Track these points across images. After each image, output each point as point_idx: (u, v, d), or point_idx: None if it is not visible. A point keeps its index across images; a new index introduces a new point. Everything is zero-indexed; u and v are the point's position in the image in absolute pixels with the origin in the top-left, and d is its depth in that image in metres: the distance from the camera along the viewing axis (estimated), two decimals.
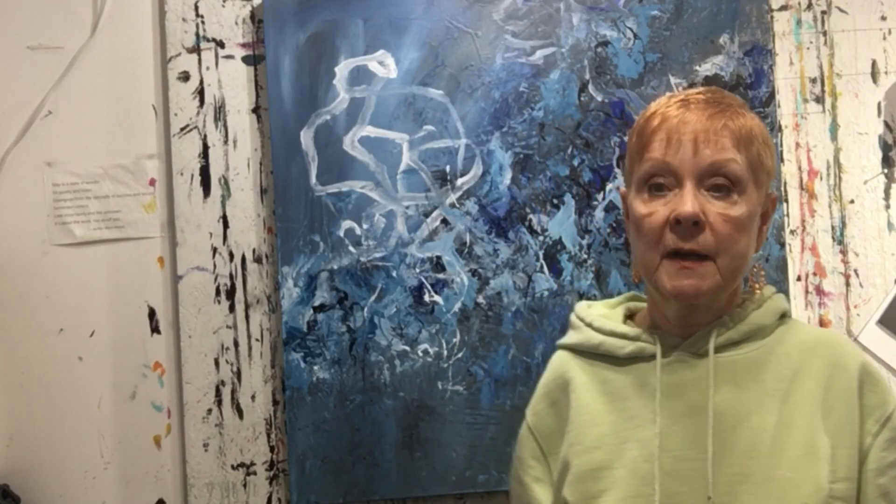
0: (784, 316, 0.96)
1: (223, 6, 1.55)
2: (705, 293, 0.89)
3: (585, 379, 0.98)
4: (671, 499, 0.88)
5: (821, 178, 1.60)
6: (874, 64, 1.62)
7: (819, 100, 1.61)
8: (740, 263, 0.91)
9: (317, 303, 1.50)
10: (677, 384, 0.92)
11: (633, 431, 0.93)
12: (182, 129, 1.54)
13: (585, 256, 1.53)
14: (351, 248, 1.51)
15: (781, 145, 1.59)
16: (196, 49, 1.54)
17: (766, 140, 0.93)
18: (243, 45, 1.55)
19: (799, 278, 1.59)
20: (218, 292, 1.53)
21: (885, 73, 1.62)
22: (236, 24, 1.55)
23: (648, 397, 0.93)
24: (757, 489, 0.87)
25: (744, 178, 0.89)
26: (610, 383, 0.96)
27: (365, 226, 1.51)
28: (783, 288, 1.53)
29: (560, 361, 1.02)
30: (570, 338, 1.02)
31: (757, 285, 0.98)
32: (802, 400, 0.89)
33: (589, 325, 1.00)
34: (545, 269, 1.52)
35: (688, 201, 0.87)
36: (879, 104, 1.62)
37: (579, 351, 1.00)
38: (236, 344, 1.53)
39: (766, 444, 0.88)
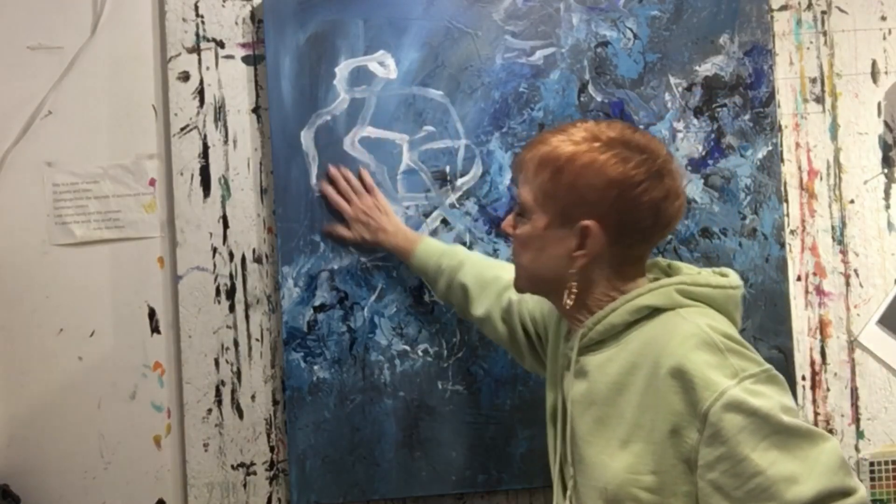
0: (658, 311, 1.01)
1: (223, 6, 1.55)
2: (519, 288, 1.12)
3: None
4: (556, 462, 1.13)
5: (821, 178, 1.61)
6: (874, 64, 1.62)
7: (819, 100, 1.61)
8: (526, 273, 1.08)
9: (317, 303, 1.50)
10: (563, 369, 1.13)
11: (550, 380, 1.21)
12: (182, 129, 1.54)
13: None
14: (351, 248, 1.51)
15: (781, 145, 1.59)
16: (196, 49, 1.54)
17: (563, 168, 1.01)
18: (243, 45, 1.55)
19: (799, 278, 1.59)
20: (218, 292, 1.53)
21: (885, 73, 1.62)
22: (236, 24, 1.55)
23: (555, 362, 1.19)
24: (586, 469, 1.03)
25: (527, 205, 1.05)
26: (557, 342, 1.19)
27: None
28: (783, 288, 1.53)
29: None
30: None
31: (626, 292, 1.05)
32: (632, 394, 0.99)
33: None
34: None
35: (506, 220, 1.10)
36: (879, 104, 1.62)
37: None
38: (236, 344, 1.53)
39: (599, 432, 1.02)
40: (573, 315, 1.07)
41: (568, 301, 1.03)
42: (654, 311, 1.01)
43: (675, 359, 0.94)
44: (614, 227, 1.00)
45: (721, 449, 0.90)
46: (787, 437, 0.88)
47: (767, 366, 0.94)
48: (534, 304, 1.27)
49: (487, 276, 1.35)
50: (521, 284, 1.11)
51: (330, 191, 1.49)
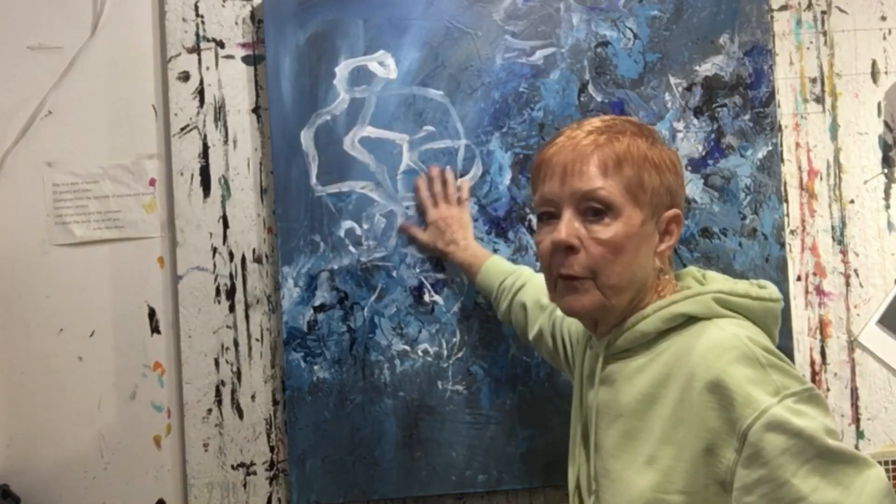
0: (695, 320, 0.95)
1: (223, 6, 1.55)
2: (589, 309, 0.97)
3: None
4: (578, 475, 1.07)
5: (821, 178, 1.61)
6: (874, 64, 1.62)
7: (819, 100, 1.61)
8: (620, 281, 0.96)
9: (317, 303, 1.50)
10: (588, 377, 1.06)
11: (577, 391, 1.14)
12: (182, 129, 1.54)
13: None
14: (351, 248, 1.51)
15: (781, 145, 1.59)
16: (196, 49, 1.54)
17: (649, 160, 0.96)
18: (243, 45, 1.55)
19: (799, 278, 1.59)
20: (218, 292, 1.53)
21: (885, 73, 1.62)
22: (236, 24, 1.55)
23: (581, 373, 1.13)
24: (611, 485, 0.97)
25: (615, 201, 0.95)
26: (584, 350, 1.14)
27: (365, 226, 1.51)
28: (783, 288, 1.53)
29: None
30: None
31: (662, 294, 1.00)
32: (663, 408, 0.93)
33: None
34: None
35: (561, 229, 0.95)
36: (879, 104, 1.62)
37: None
38: (236, 344, 1.53)
39: (627, 446, 0.96)
40: (602, 319, 1.01)
41: (615, 312, 0.98)
42: (689, 320, 0.96)
43: (712, 372, 0.88)
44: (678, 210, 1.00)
45: (761, 471, 0.83)
46: (830, 463, 0.82)
47: (810, 384, 0.88)
48: (571, 319, 1.21)
49: (544, 297, 1.30)
50: (609, 299, 0.97)
51: (423, 188, 1.49)
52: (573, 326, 1.23)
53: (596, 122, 1.01)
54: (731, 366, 0.87)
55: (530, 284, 1.35)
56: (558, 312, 1.26)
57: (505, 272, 1.39)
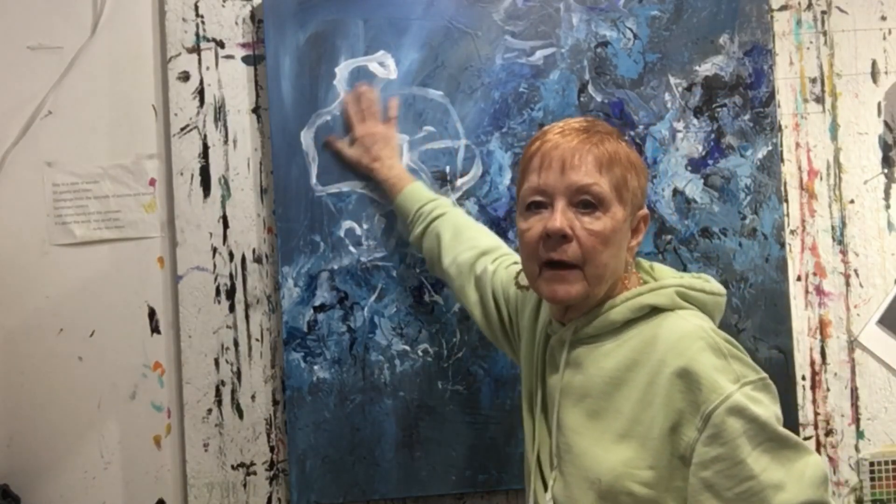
0: (658, 310, 1.03)
1: (223, 6, 1.55)
2: (575, 297, 1.03)
3: None
4: (538, 452, 1.12)
5: (821, 178, 1.61)
6: (874, 64, 1.62)
7: (819, 100, 1.61)
8: (604, 272, 1.03)
9: (317, 303, 1.50)
10: (550, 360, 1.12)
11: (526, 368, 1.20)
12: (182, 129, 1.54)
13: None
14: (351, 248, 1.51)
15: (781, 145, 1.59)
16: (196, 49, 1.54)
17: (633, 163, 1.05)
18: (243, 45, 1.55)
19: (799, 278, 1.59)
20: (218, 292, 1.53)
21: (885, 73, 1.62)
22: (236, 24, 1.55)
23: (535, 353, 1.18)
24: (575, 459, 1.03)
25: (606, 196, 1.01)
26: (537, 331, 1.19)
27: (365, 226, 1.51)
28: (783, 288, 1.53)
29: None
30: None
31: (626, 286, 1.06)
32: (632, 390, 1.00)
33: None
34: None
35: (557, 218, 1.00)
36: (879, 104, 1.62)
37: None
38: (236, 344, 1.53)
39: (592, 424, 1.03)
40: (576, 307, 1.07)
41: (592, 298, 1.04)
42: (653, 310, 1.03)
43: (683, 359, 0.96)
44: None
45: (719, 450, 0.92)
46: (778, 446, 0.92)
47: (763, 374, 0.97)
48: (507, 280, 1.27)
49: (466, 234, 1.36)
50: (593, 288, 1.03)
51: (351, 103, 1.50)
52: (511, 293, 1.26)
53: (580, 121, 1.07)
54: (700, 354, 0.96)
55: (451, 216, 1.39)
56: (489, 265, 1.31)
57: (426, 198, 1.42)
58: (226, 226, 1.54)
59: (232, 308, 1.53)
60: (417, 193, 1.43)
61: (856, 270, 1.60)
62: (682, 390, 0.95)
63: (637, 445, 0.98)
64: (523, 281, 1.13)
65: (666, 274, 1.10)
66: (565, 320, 1.09)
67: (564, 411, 1.07)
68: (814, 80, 1.61)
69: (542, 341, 1.16)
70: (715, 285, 1.08)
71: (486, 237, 1.38)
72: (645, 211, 1.08)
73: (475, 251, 1.34)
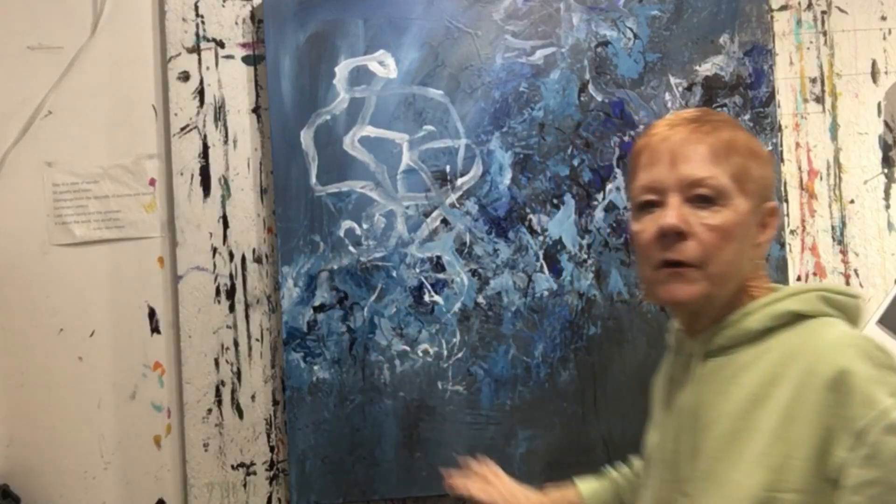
0: (801, 317, 0.92)
1: (223, 6, 1.55)
2: (696, 298, 0.93)
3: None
4: (661, 484, 0.99)
5: (821, 178, 1.60)
6: (874, 64, 1.62)
7: (819, 100, 1.61)
8: (728, 270, 0.93)
9: (317, 303, 1.50)
10: (678, 381, 1.00)
11: (657, 416, 1.06)
12: (182, 129, 1.54)
13: (585, 256, 1.53)
14: (351, 248, 1.51)
15: (781, 145, 1.59)
16: (196, 49, 1.54)
17: (754, 151, 0.95)
18: (243, 45, 1.55)
19: (799, 278, 1.59)
20: (218, 292, 1.53)
21: (885, 73, 1.62)
22: (236, 24, 1.55)
23: (664, 388, 1.05)
24: (716, 489, 0.91)
25: (725, 188, 0.92)
26: (665, 369, 1.08)
27: (365, 226, 1.51)
28: None
29: None
30: None
31: (756, 291, 0.96)
32: (774, 405, 0.89)
33: None
34: (545, 269, 1.52)
35: (669, 214, 0.92)
36: (879, 104, 1.62)
37: None
38: (236, 344, 1.53)
39: (732, 447, 0.91)
40: (703, 312, 0.96)
41: (715, 305, 0.94)
42: (795, 318, 0.92)
43: (835, 368, 0.85)
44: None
45: (874, 473, 0.81)
46: None
47: None
48: None
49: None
50: (716, 289, 0.93)
51: (461, 485, 1.25)
52: None
53: (691, 112, 0.99)
54: (854, 363, 0.85)
55: (633, 463, 1.22)
56: None
57: (604, 487, 1.23)
58: (226, 226, 1.54)
59: (232, 308, 1.53)
60: (595, 489, 1.24)
61: (856, 270, 1.60)
62: (832, 404, 0.84)
63: (780, 467, 0.87)
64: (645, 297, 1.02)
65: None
66: (693, 332, 0.98)
67: (699, 434, 0.95)
68: (814, 80, 1.61)
69: (670, 365, 1.05)
70: (852, 289, 0.99)
71: None
72: (772, 203, 0.96)
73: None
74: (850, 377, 0.84)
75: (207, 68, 1.54)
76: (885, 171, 1.61)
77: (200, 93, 1.54)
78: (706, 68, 1.55)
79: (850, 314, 0.95)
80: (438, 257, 1.51)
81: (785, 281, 1.53)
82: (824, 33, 1.62)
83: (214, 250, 1.54)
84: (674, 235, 0.91)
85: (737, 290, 0.95)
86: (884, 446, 0.81)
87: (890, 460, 0.81)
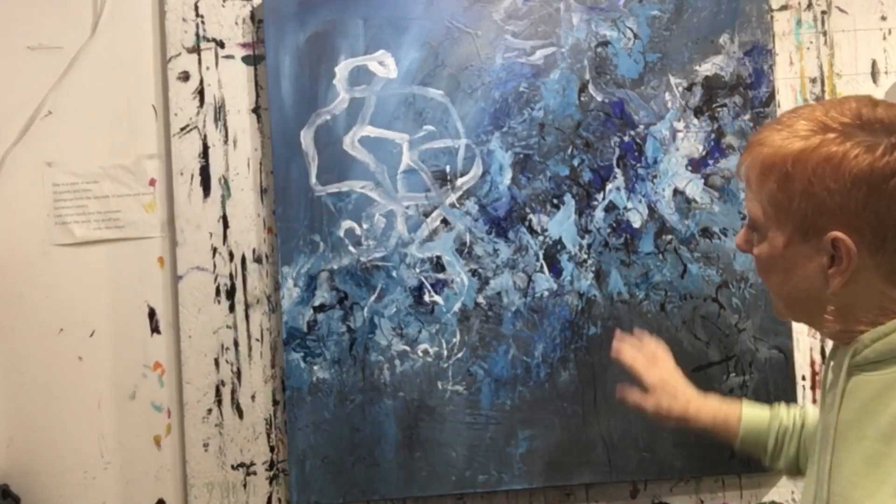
0: None
1: (223, 6, 1.55)
2: (778, 313, 0.94)
3: None
4: (811, 495, 0.92)
5: None
6: (874, 64, 1.62)
7: (819, 100, 1.61)
8: (780, 299, 0.91)
9: (317, 303, 1.50)
10: (831, 388, 0.92)
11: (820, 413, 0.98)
12: (182, 129, 1.54)
13: (585, 256, 1.53)
14: (351, 248, 1.51)
15: None
16: (196, 49, 1.54)
17: (798, 172, 0.82)
18: (243, 45, 1.55)
19: None
20: (218, 292, 1.53)
21: (885, 73, 1.62)
22: (236, 24, 1.55)
23: (822, 388, 0.98)
24: None
25: (758, 219, 0.87)
26: (828, 365, 1.00)
27: (365, 226, 1.51)
28: None
29: None
30: None
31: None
32: None
33: None
34: (545, 269, 1.52)
35: (738, 235, 0.93)
36: None
37: None
38: (236, 344, 1.53)
39: (870, 474, 0.83)
40: (842, 330, 0.88)
41: (853, 326, 0.86)
42: None
43: None
44: (872, 233, 0.81)
45: None
46: None
47: None
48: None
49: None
50: (780, 311, 0.93)
51: (626, 352, 1.28)
52: None
53: (784, 114, 0.90)
54: None
55: (808, 416, 1.16)
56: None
57: (767, 415, 1.19)
58: (226, 226, 1.54)
59: (232, 308, 1.53)
60: (757, 415, 1.19)
61: None
62: None
63: None
64: None
65: None
66: (843, 341, 0.90)
67: (839, 454, 0.87)
68: (814, 80, 1.61)
69: (828, 367, 0.97)
70: None
71: None
72: (835, 233, 0.81)
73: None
74: None
75: (207, 68, 1.54)
76: None
77: (200, 93, 1.54)
78: (706, 68, 1.55)
79: None
80: (438, 257, 1.51)
81: None
82: (824, 33, 1.62)
83: (214, 250, 1.54)
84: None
85: (834, 315, 0.87)
86: None
87: None
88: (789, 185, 0.83)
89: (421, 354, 1.51)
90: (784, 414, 1.17)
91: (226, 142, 1.54)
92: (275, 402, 1.53)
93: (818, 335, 1.58)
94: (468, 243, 1.52)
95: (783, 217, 0.84)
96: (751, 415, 1.18)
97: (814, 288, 0.85)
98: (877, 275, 0.83)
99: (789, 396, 1.52)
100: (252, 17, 1.55)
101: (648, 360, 1.27)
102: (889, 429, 0.81)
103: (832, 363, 0.93)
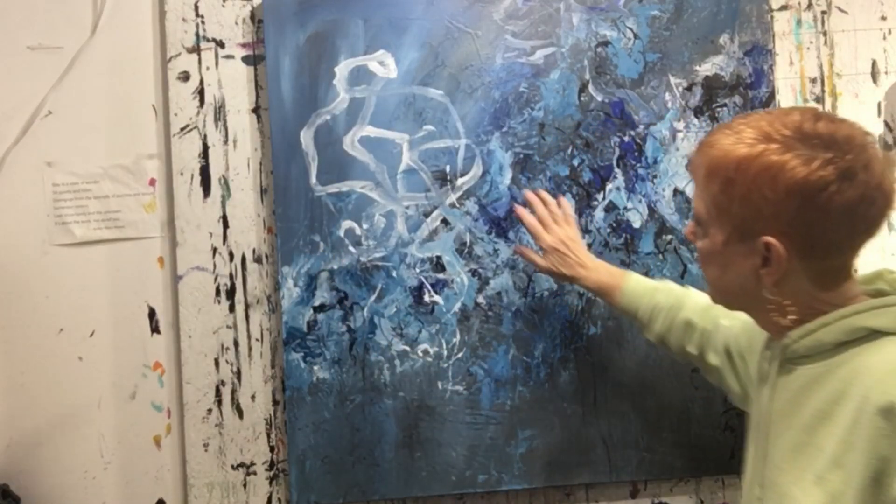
0: (879, 334, 0.88)
1: (223, 6, 1.55)
2: (714, 299, 1.01)
3: None
4: (751, 484, 1.01)
5: None
6: (874, 64, 1.62)
7: (819, 100, 1.61)
8: (716, 290, 0.99)
9: (317, 303, 1.50)
10: (763, 378, 1.02)
11: (754, 393, 1.08)
12: (182, 129, 1.54)
13: None
14: (351, 248, 1.51)
15: None
16: (196, 49, 1.54)
17: (739, 178, 0.88)
18: (243, 45, 1.55)
19: None
20: (218, 292, 1.53)
21: (885, 73, 1.62)
22: (236, 24, 1.55)
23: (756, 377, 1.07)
24: (777, 498, 0.93)
25: (702, 216, 0.94)
26: (761, 354, 1.07)
27: (365, 226, 1.51)
28: None
29: None
30: None
31: (786, 318, 0.94)
32: (836, 427, 0.87)
33: None
34: None
35: (687, 226, 1.01)
36: (879, 104, 1.62)
37: None
38: (236, 344, 1.53)
39: (795, 461, 0.91)
40: (774, 325, 0.96)
41: (782, 320, 0.93)
42: (873, 334, 0.88)
43: (887, 397, 0.81)
44: (802, 241, 0.87)
45: None
46: None
47: None
48: (738, 329, 1.16)
49: (711, 312, 1.24)
50: (716, 299, 1.01)
51: (525, 214, 1.42)
52: (743, 335, 1.15)
53: (747, 117, 0.95)
54: None
55: (688, 299, 1.27)
56: (724, 321, 1.20)
57: (651, 288, 1.31)
58: (226, 226, 1.54)
59: (232, 308, 1.53)
60: (640, 286, 1.32)
61: (855, 270, 1.60)
62: (887, 434, 0.81)
63: (837, 493, 0.85)
64: None
65: None
66: (776, 335, 0.98)
67: (771, 441, 0.96)
68: (814, 80, 1.61)
69: (758, 361, 1.05)
70: None
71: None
72: (767, 238, 0.88)
73: (716, 321, 1.22)
74: None
75: (207, 68, 1.54)
76: None
77: (200, 93, 1.54)
78: (706, 68, 1.55)
79: None
80: (438, 257, 1.51)
81: None
82: (824, 33, 1.62)
83: (214, 250, 1.54)
84: None
85: (765, 310, 0.94)
86: None
87: None
88: (731, 190, 0.89)
89: (421, 354, 1.51)
90: (663, 294, 1.29)
91: (226, 142, 1.54)
92: (275, 402, 1.53)
93: None
94: (468, 243, 1.52)
95: (724, 217, 0.91)
96: (632, 289, 1.31)
97: (747, 285, 0.92)
98: (805, 277, 0.90)
99: None
100: (252, 17, 1.55)
101: (548, 221, 1.40)
102: (812, 420, 0.89)
103: (767, 354, 1.00)
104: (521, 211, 1.43)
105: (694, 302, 1.27)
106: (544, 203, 1.42)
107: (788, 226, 0.87)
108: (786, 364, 0.96)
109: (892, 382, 0.83)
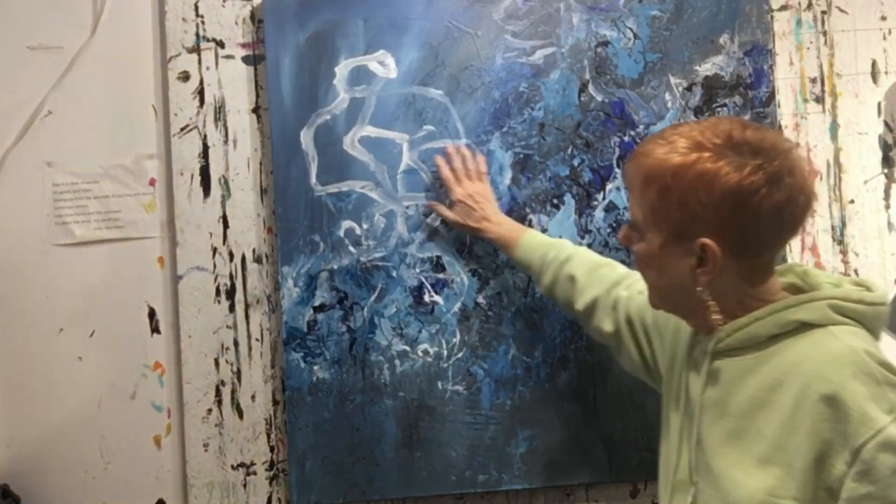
0: (807, 326, 0.95)
1: (223, 6, 1.55)
2: (653, 304, 1.06)
3: None
4: (677, 467, 1.06)
5: (821, 179, 1.61)
6: (874, 64, 1.62)
7: (819, 100, 1.61)
8: (655, 291, 1.04)
9: (317, 303, 1.50)
10: (692, 367, 1.07)
11: (674, 377, 1.15)
12: (182, 129, 1.54)
13: None
14: (351, 248, 1.51)
15: None
16: (196, 49, 1.54)
17: (675, 185, 0.94)
18: (243, 45, 1.55)
19: None
20: (218, 292, 1.53)
21: (885, 73, 1.62)
22: (236, 24, 1.55)
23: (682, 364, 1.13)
24: (714, 481, 0.98)
25: (639, 221, 1.00)
26: (688, 343, 1.13)
27: (365, 226, 1.51)
28: None
29: None
30: None
31: (717, 316, 0.99)
32: (775, 413, 0.94)
33: None
34: None
35: (620, 232, 1.05)
36: (879, 104, 1.62)
37: None
38: (236, 344, 1.53)
39: (734, 445, 0.97)
40: (706, 320, 1.01)
41: (716, 318, 0.98)
42: (802, 326, 0.95)
43: (829, 385, 0.89)
44: (735, 241, 0.94)
45: (869, 488, 0.86)
46: None
47: None
48: (642, 304, 1.20)
49: (599, 271, 1.31)
50: (653, 301, 1.06)
51: (443, 165, 1.48)
52: (649, 314, 1.21)
53: (672, 127, 1.02)
54: (849, 381, 0.88)
55: (578, 257, 1.34)
56: (622, 291, 1.27)
57: (546, 244, 1.38)
58: (226, 226, 1.54)
59: (232, 308, 1.53)
60: (536, 241, 1.39)
61: (856, 270, 1.60)
62: (830, 419, 0.88)
63: (781, 474, 0.91)
64: None
65: (821, 281, 1.00)
66: (705, 331, 1.04)
67: (704, 427, 1.01)
68: (814, 80, 1.61)
69: (687, 350, 1.10)
70: (877, 294, 0.97)
71: (619, 269, 1.32)
72: (704, 240, 0.94)
73: (608, 285, 1.29)
74: (844, 396, 0.88)
75: (207, 68, 1.54)
76: (885, 171, 1.61)
77: (200, 93, 1.54)
78: (706, 68, 1.55)
79: (867, 322, 0.96)
80: (438, 257, 1.51)
81: None
82: (824, 33, 1.62)
83: (214, 250, 1.54)
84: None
85: (699, 308, 0.99)
86: (878, 463, 0.85)
87: (884, 476, 0.85)
88: (668, 196, 0.95)
89: (421, 354, 1.51)
90: (556, 249, 1.36)
91: (226, 142, 1.54)
92: (275, 402, 1.53)
93: None
94: (468, 243, 1.52)
95: (661, 222, 0.97)
96: (528, 243, 1.39)
97: (684, 283, 0.98)
98: (737, 275, 0.97)
99: None
100: (252, 17, 1.55)
101: (461, 175, 1.47)
102: (748, 407, 0.96)
103: (696, 348, 1.06)
104: (440, 161, 1.49)
105: (581, 260, 1.34)
106: (463, 158, 1.48)
107: (722, 228, 0.93)
108: (717, 356, 1.01)
109: (832, 372, 0.89)
